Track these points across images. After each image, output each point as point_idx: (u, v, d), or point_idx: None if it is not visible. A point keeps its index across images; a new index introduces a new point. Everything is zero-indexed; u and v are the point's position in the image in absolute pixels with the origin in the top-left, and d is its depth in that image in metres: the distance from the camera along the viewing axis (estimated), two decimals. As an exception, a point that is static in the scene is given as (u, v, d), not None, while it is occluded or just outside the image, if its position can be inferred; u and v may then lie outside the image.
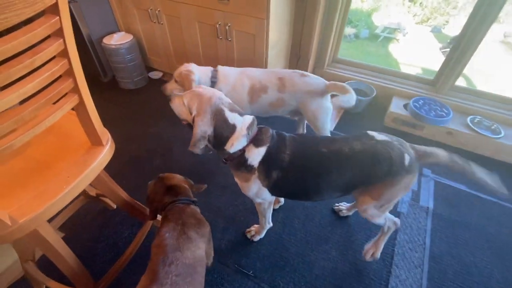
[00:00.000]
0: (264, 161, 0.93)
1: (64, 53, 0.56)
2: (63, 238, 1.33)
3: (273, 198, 1.11)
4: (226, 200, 1.49)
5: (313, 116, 1.44)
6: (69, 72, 0.59)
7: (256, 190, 1.01)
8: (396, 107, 1.94)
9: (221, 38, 1.85)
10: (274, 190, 1.01)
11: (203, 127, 0.87)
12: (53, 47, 0.53)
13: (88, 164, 0.72)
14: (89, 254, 1.26)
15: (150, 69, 2.52)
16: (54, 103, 0.59)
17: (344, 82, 1.35)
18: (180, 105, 0.96)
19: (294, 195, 1.04)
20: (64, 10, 0.52)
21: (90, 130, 0.72)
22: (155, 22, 2.08)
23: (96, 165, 0.74)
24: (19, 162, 0.72)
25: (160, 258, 0.74)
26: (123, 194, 0.97)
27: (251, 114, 0.97)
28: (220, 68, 1.48)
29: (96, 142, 0.76)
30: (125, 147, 1.81)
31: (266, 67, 1.83)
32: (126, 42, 2.15)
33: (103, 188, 0.90)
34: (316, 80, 1.39)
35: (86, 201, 1.25)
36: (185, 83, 1.41)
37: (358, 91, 2.08)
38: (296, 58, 2.14)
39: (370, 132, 0.95)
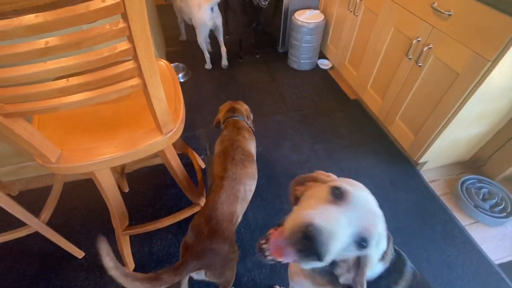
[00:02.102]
0: None
1: (129, 39, 0.49)
2: (158, 166, 1.57)
3: None
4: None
5: (195, 26, 1.97)
6: (135, 57, 0.53)
7: None
8: None
9: (410, 58, 1.37)
10: None
11: None
12: (114, 30, 0.46)
13: (136, 145, 0.71)
14: (158, 194, 1.43)
15: (322, 56, 2.33)
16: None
17: None
18: None
19: None
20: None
21: (153, 116, 0.69)
22: (351, 11, 1.80)
23: (143, 149, 0.72)
24: (109, 109, 0.79)
25: (229, 144, 1.01)
26: (180, 172, 0.96)
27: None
28: None
29: (157, 128, 0.72)
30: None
31: (447, 123, 1.25)
32: (313, 23, 2.02)
33: (165, 160, 0.90)
34: None
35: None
36: None
37: None
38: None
39: None
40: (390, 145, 1.69)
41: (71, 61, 0.47)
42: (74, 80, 0.51)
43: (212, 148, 1.65)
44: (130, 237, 1.20)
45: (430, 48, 1.25)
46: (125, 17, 0.45)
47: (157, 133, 0.73)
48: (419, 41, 1.30)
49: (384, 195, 1.44)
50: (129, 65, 0.54)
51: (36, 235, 1.08)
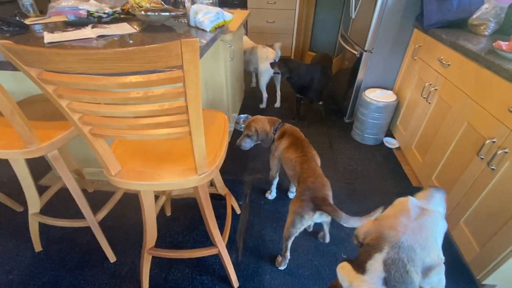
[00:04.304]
0: None
1: (185, 99, 0.65)
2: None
3: None
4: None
5: (260, 72, 2.59)
6: (186, 112, 0.68)
7: None
8: None
9: (482, 159, 1.23)
10: None
11: (364, 227, 0.68)
12: (175, 92, 0.62)
13: (173, 177, 0.84)
14: (192, 226, 1.54)
15: (390, 134, 2.26)
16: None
17: None
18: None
19: None
20: (189, 70, 0.58)
21: (193, 158, 0.82)
22: (424, 98, 1.76)
23: (178, 183, 0.84)
24: (167, 144, 0.97)
25: (294, 139, 1.41)
26: (208, 211, 1.04)
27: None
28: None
29: (194, 168, 0.85)
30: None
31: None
32: (382, 102, 2.03)
33: (197, 197, 1.01)
34: (265, 51, 2.53)
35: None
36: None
37: None
38: None
39: None
40: (449, 250, 1.43)
41: (141, 108, 0.65)
42: (140, 120, 0.69)
43: (252, 196, 1.72)
44: (153, 258, 1.30)
45: (506, 152, 1.11)
46: (184, 84, 0.61)
47: (192, 172, 0.85)
48: (494, 142, 1.17)
49: (428, 310, 1.19)
50: (181, 117, 0.69)
51: (89, 230, 1.29)
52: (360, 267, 0.61)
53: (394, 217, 0.63)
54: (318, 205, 1.10)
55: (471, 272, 1.29)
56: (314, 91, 2.33)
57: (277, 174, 1.62)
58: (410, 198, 0.68)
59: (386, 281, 0.57)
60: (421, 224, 0.61)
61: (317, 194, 1.13)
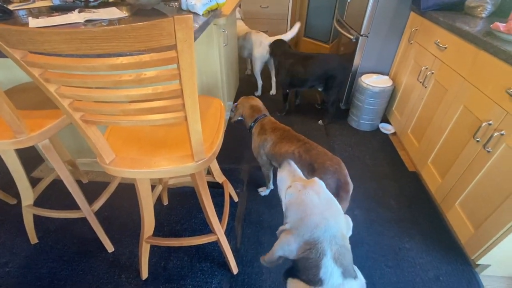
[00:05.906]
0: None
1: (179, 82, 0.62)
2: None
3: None
4: None
5: (254, 58, 2.54)
6: (181, 96, 0.65)
7: None
8: None
9: (478, 141, 1.24)
10: None
11: (286, 251, 0.61)
12: (169, 75, 0.60)
13: (169, 165, 0.82)
14: (189, 215, 1.53)
15: (385, 120, 2.26)
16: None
17: None
18: (281, 187, 0.77)
19: None
20: (183, 50, 0.55)
21: (190, 144, 0.80)
22: (420, 82, 1.75)
23: (174, 170, 0.82)
24: (162, 131, 0.95)
25: (283, 132, 1.34)
26: (206, 198, 1.03)
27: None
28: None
29: (191, 155, 0.83)
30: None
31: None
32: (378, 87, 2.01)
33: (195, 184, 1.00)
34: (259, 36, 2.47)
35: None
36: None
37: None
38: None
39: None
40: (444, 232, 1.46)
41: (134, 92, 0.62)
42: (134, 105, 0.66)
43: (249, 183, 1.71)
44: (152, 247, 1.30)
45: (502, 134, 1.11)
46: (178, 66, 0.59)
47: (189, 159, 0.84)
48: (490, 124, 1.18)
49: (424, 290, 1.22)
50: (176, 101, 0.67)
51: (85, 221, 1.27)
52: (312, 282, 0.57)
53: (308, 213, 0.59)
54: (339, 190, 1.10)
55: (466, 252, 1.32)
56: (278, 74, 2.29)
57: (272, 168, 1.54)
58: (296, 185, 0.67)
59: (343, 272, 0.57)
60: (326, 199, 0.61)
61: (339, 177, 1.12)
